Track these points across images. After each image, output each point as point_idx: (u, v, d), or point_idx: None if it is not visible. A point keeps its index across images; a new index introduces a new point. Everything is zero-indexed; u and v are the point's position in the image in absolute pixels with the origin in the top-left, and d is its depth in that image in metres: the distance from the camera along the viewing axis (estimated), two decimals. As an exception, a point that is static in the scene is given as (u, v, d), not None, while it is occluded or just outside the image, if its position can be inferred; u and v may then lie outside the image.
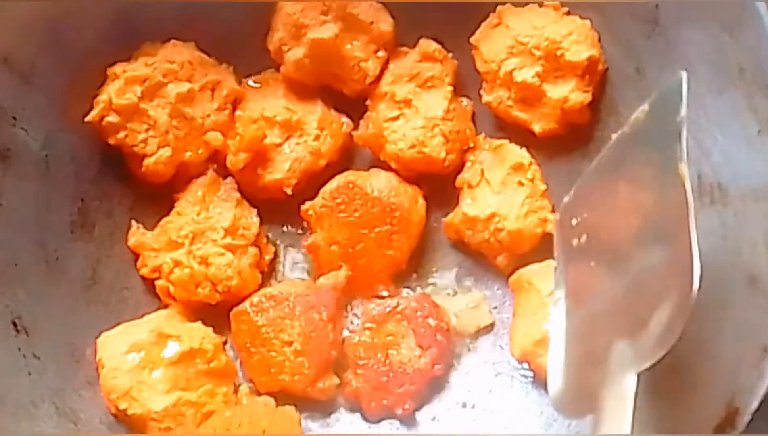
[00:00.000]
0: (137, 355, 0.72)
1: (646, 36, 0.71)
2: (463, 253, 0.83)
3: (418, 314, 0.77)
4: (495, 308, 0.81)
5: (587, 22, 0.75)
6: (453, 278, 0.83)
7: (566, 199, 0.69)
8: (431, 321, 0.77)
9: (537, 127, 0.79)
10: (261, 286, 0.81)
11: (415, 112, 0.81)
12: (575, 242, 0.66)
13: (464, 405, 0.76)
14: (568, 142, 0.80)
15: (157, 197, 0.81)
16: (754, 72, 0.61)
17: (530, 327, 0.74)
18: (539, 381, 0.73)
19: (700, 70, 0.65)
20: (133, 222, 0.80)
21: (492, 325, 0.80)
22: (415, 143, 0.80)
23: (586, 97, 0.76)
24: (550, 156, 0.81)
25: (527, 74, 0.76)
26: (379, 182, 0.81)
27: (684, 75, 0.56)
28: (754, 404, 0.57)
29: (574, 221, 0.67)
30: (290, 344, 0.76)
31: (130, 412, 0.70)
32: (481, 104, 0.82)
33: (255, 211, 0.82)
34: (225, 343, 0.79)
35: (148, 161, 0.78)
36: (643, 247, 0.58)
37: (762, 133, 0.61)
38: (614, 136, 0.65)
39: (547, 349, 0.70)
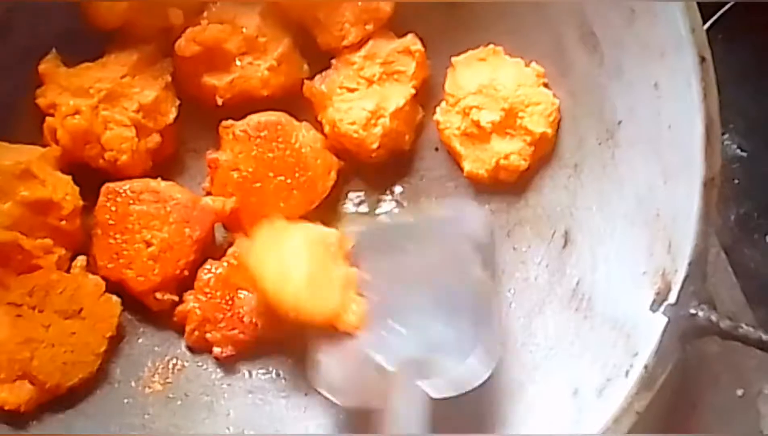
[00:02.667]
0: (-8, 175, 0.68)
1: (597, 142, 0.75)
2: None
3: (281, 275, 0.77)
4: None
5: (557, 101, 0.78)
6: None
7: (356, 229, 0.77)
8: (289, 287, 0.77)
9: (467, 166, 0.81)
10: (147, 175, 0.78)
11: (371, 94, 0.80)
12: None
13: (278, 375, 0.77)
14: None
15: (88, 41, 0.76)
16: (667, 223, 0.65)
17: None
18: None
19: (626, 199, 0.70)
20: (54, 50, 0.75)
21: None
22: (356, 121, 0.80)
23: (523, 165, 0.79)
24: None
25: (485, 117, 0.78)
26: (307, 138, 0.81)
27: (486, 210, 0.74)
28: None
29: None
30: (149, 244, 0.74)
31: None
32: (430, 119, 0.83)
33: (178, 102, 0.79)
34: (83, 207, 0.75)
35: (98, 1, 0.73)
36: (429, 305, 0.69)
37: (646, 275, 0.65)
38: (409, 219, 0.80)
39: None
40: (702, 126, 0.63)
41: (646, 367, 0.61)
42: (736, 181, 0.88)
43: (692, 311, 0.61)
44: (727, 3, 0.88)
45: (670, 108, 0.66)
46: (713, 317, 0.61)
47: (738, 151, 0.90)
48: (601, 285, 0.70)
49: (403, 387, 0.63)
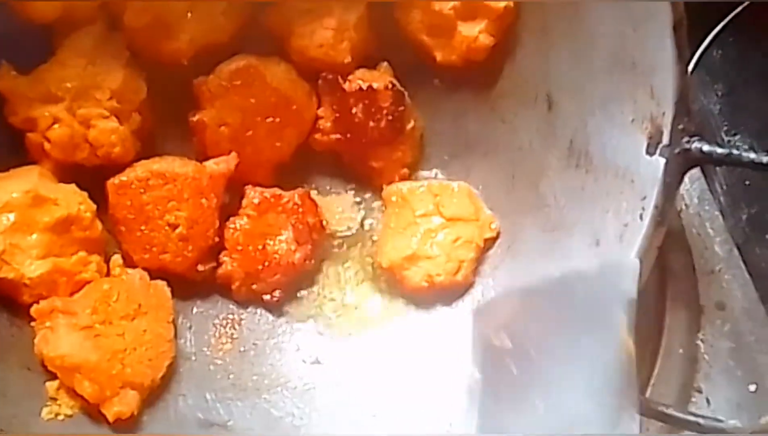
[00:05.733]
0: (10, 216, 0.67)
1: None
2: (338, 156, 0.86)
3: (300, 210, 0.80)
4: (363, 212, 0.86)
5: (514, -26, 0.79)
6: (329, 180, 0.86)
7: (493, 296, 0.76)
8: (310, 219, 0.80)
9: (439, 56, 0.83)
10: (140, 157, 0.77)
11: (329, 11, 0.80)
12: (496, 342, 0.67)
13: (333, 299, 0.82)
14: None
15: (33, 41, 0.72)
16: (644, 70, 0.71)
17: (400, 242, 0.81)
18: (403, 290, 0.81)
19: (600, 52, 0.74)
20: (4, 62, 0.71)
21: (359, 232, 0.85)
22: (323, 43, 0.80)
23: (491, 41, 0.81)
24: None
25: (445, 6, 0.79)
26: (279, 72, 0.80)
27: (638, 262, 0.63)
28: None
29: (493, 323, 0.68)
30: (175, 227, 0.75)
31: (1, 275, 0.66)
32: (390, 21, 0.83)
33: (143, 74, 0.77)
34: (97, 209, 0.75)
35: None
36: (573, 382, 0.62)
37: (635, 122, 0.72)
38: (558, 274, 0.70)
39: (415, 264, 0.80)
40: (666, -32, 0.66)
41: (656, 207, 0.68)
42: (747, 182, 0.87)
43: (686, 146, 0.68)
44: (739, 4, 0.87)
45: (632, -44, 0.68)
46: (705, 148, 0.68)
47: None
48: (594, 139, 0.76)
49: None
